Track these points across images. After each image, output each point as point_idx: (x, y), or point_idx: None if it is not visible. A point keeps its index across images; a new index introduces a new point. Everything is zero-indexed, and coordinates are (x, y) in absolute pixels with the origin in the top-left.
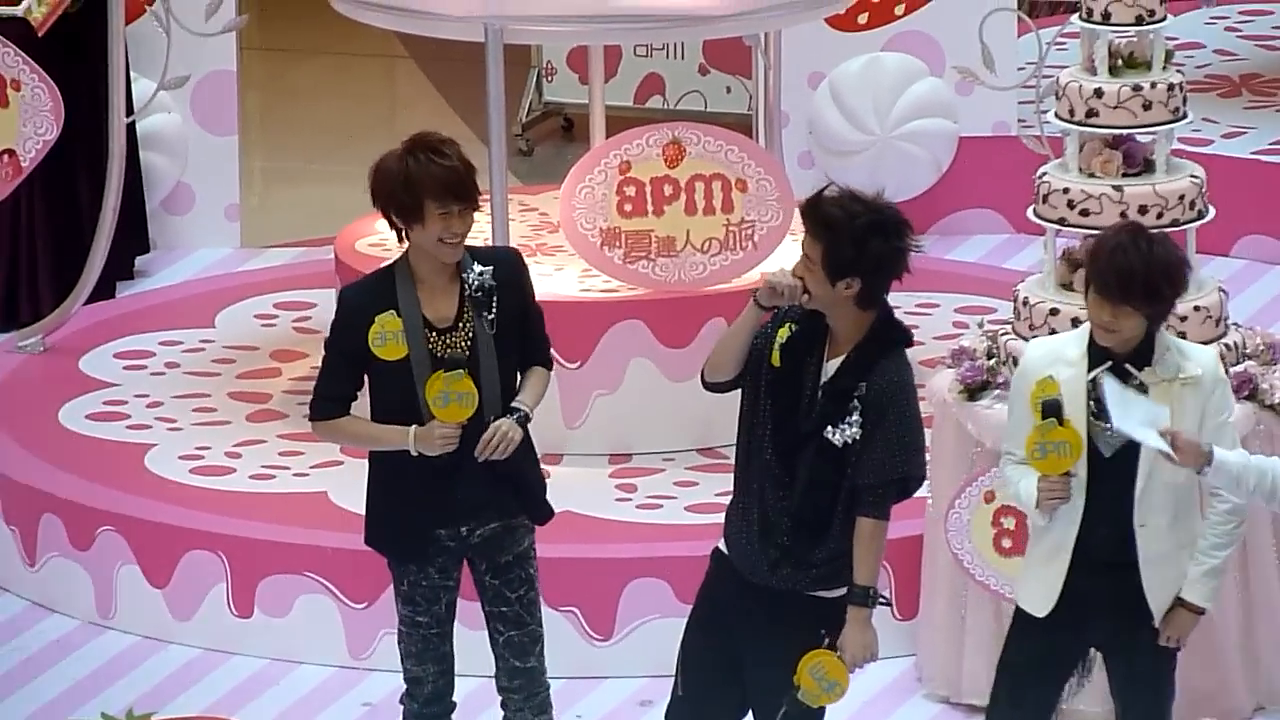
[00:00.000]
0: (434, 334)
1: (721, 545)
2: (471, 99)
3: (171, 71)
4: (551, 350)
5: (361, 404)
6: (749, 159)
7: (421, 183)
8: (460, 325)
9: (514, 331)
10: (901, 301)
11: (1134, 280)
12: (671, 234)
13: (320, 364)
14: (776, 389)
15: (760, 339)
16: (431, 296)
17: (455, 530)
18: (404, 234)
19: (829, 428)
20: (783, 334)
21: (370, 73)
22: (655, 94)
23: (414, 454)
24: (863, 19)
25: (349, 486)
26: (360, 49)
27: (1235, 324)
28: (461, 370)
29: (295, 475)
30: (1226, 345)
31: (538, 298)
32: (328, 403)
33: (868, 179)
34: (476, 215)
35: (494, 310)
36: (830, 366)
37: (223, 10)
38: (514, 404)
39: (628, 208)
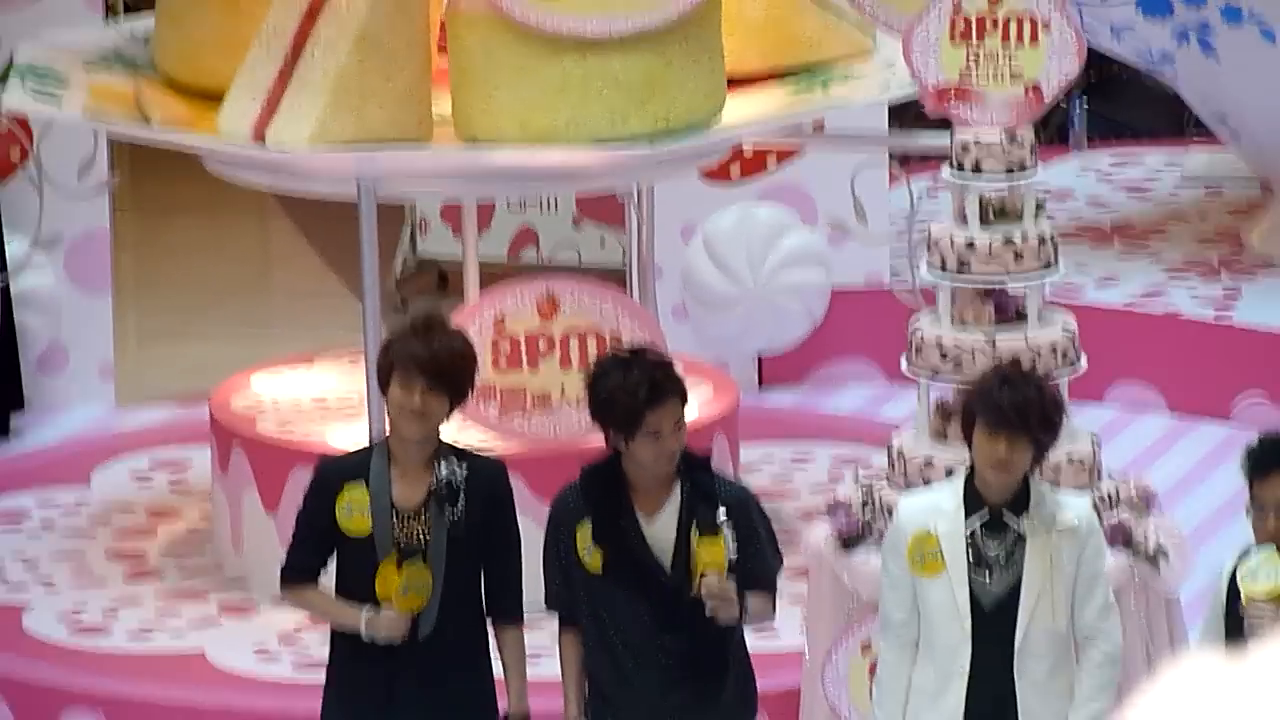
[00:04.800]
0: (397, 517)
1: None
2: (346, 254)
3: (44, 230)
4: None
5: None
6: (623, 312)
7: (395, 351)
8: (422, 515)
9: (478, 538)
10: (776, 453)
11: (1030, 409)
12: (547, 389)
13: (292, 532)
14: (620, 578)
15: (567, 569)
16: (402, 479)
17: None
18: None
19: None
20: (584, 534)
21: (244, 230)
22: (529, 246)
23: (365, 638)
24: (735, 171)
25: (227, 645)
26: (233, 206)
27: (1109, 473)
28: (419, 559)
29: (173, 634)
30: (1100, 495)
31: None
32: (295, 572)
33: (741, 331)
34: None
35: (459, 511)
36: (662, 518)
37: (95, 169)
38: (511, 714)
39: (502, 363)
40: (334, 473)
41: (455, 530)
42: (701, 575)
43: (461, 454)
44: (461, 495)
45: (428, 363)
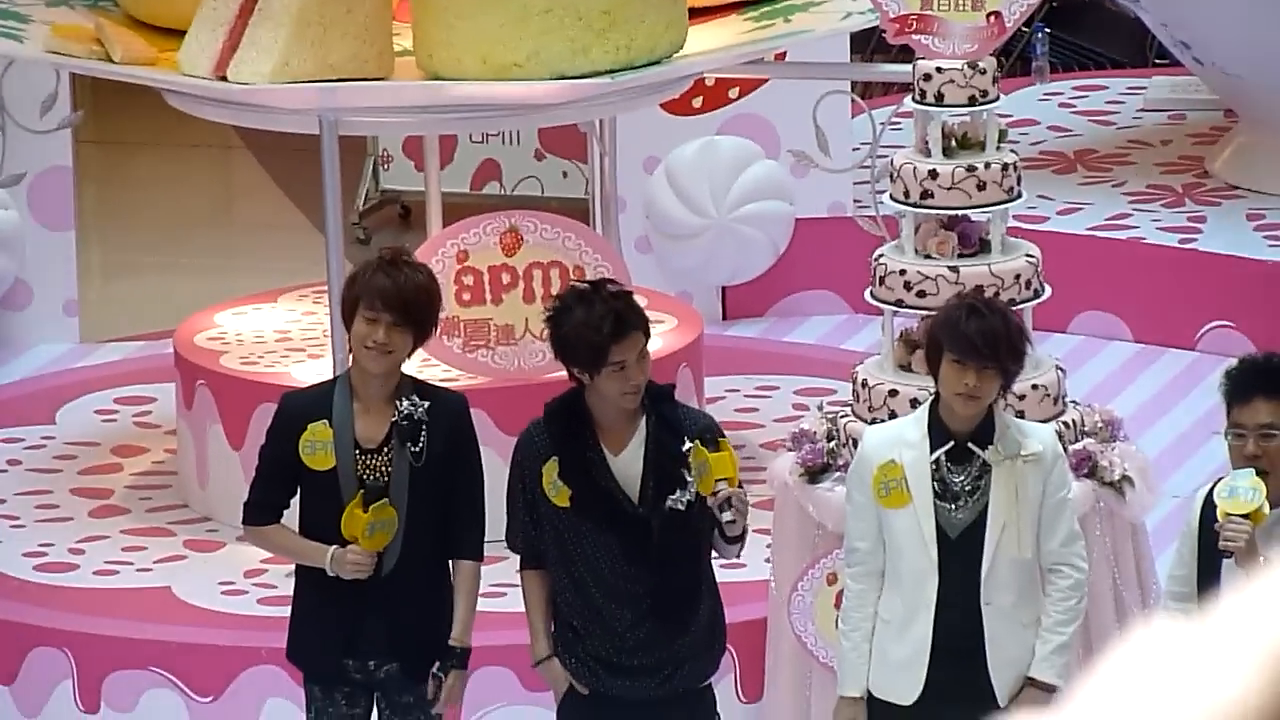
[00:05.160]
0: (360, 452)
1: (575, 685)
2: (308, 188)
3: (7, 169)
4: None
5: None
6: (586, 245)
7: (360, 285)
8: (384, 450)
9: (440, 474)
10: (740, 385)
11: (998, 338)
12: (510, 322)
13: (255, 469)
14: (588, 512)
15: (533, 505)
16: (365, 415)
17: (362, 663)
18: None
19: (669, 499)
20: (550, 472)
21: (207, 164)
22: (492, 180)
23: (330, 574)
24: (697, 103)
25: (192, 581)
26: (196, 140)
27: (1073, 401)
28: (385, 499)
29: (139, 570)
30: (1065, 423)
31: None
32: (258, 509)
33: (705, 262)
34: (316, 307)
35: (420, 445)
36: (628, 451)
37: (57, 106)
38: (451, 643)
39: (466, 296)
40: (297, 410)
41: (417, 466)
42: (714, 492)
43: (423, 389)
44: (423, 431)
45: (393, 297)
